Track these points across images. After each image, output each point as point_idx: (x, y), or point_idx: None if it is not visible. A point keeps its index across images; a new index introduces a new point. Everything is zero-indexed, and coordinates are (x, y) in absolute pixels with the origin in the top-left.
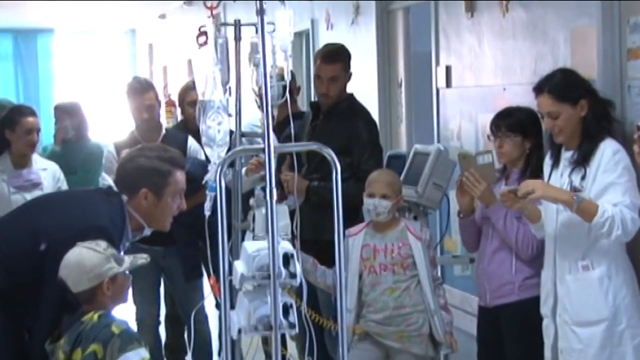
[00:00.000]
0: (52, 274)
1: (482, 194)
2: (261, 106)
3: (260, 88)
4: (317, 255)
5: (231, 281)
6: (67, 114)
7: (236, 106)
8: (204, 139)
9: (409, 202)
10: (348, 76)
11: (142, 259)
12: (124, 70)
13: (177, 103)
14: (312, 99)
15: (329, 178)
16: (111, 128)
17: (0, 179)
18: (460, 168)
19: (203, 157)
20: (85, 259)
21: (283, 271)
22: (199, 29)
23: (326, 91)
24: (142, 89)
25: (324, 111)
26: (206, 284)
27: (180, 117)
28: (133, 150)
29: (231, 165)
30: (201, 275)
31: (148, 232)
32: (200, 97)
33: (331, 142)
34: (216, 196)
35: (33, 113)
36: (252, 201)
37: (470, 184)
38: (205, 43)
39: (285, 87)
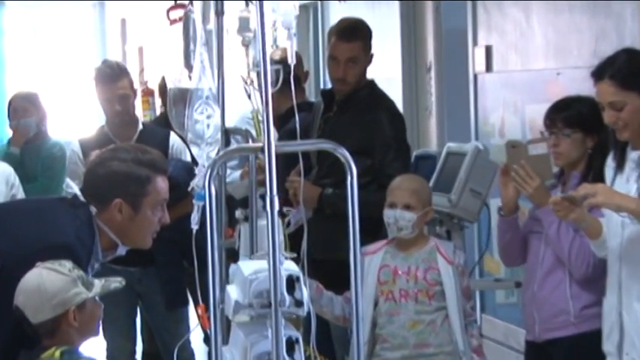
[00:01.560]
0: (6, 302)
1: (534, 192)
2: (255, 96)
3: (250, 74)
4: (326, 278)
5: (223, 310)
6: (29, 107)
7: (219, 95)
8: (190, 137)
9: (441, 214)
10: (368, 58)
11: (116, 282)
12: (90, 51)
13: (156, 93)
14: (322, 87)
15: (344, 184)
16: (74, 123)
17: None
18: (508, 160)
19: (188, 158)
20: (47, 282)
21: (287, 297)
22: (175, 2)
23: (343, 75)
24: (113, 75)
25: (338, 101)
26: (192, 314)
27: (159, 109)
28: (105, 151)
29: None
30: (186, 303)
31: (122, 251)
32: (170, 84)
33: (347, 139)
34: (204, 207)
35: None
36: (238, 213)
37: (520, 179)
38: (179, 19)
39: (287, 72)
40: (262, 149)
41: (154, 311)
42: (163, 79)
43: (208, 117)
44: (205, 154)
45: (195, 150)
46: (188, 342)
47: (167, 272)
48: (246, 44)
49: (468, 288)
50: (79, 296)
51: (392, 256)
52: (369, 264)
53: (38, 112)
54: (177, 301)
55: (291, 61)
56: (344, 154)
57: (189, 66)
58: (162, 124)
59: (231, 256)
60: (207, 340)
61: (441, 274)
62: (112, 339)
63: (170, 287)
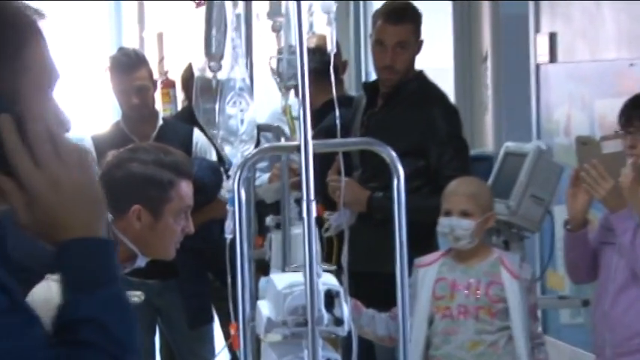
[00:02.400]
0: None
1: (607, 195)
2: (290, 88)
3: (281, 64)
4: (372, 293)
5: (253, 328)
6: None
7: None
8: (222, 134)
9: (498, 222)
10: (418, 44)
11: (135, 296)
12: (105, 38)
13: (177, 84)
14: (364, 79)
15: (391, 187)
16: (85, 117)
17: None
18: (578, 158)
19: (214, 157)
20: (56, 296)
21: (325, 315)
22: None
23: (390, 62)
24: (130, 65)
25: (384, 94)
26: (217, 333)
27: (181, 102)
28: (123, 151)
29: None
30: (211, 320)
31: (142, 262)
32: (197, 73)
33: (395, 137)
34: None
35: None
36: (269, 220)
37: (590, 180)
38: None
39: (325, 62)
40: (298, 148)
41: (174, 329)
42: (188, 68)
43: (242, 110)
44: (240, 154)
45: (227, 148)
46: None
47: (190, 286)
48: (277, 30)
49: (534, 306)
50: None
51: (450, 269)
52: (423, 277)
53: None
54: (201, 319)
55: (332, 48)
56: (390, 154)
57: (209, 54)
58: (185, 120)
59: (260, 268)
60: None
61: (505, 289)
62: None
63: (193, 302)
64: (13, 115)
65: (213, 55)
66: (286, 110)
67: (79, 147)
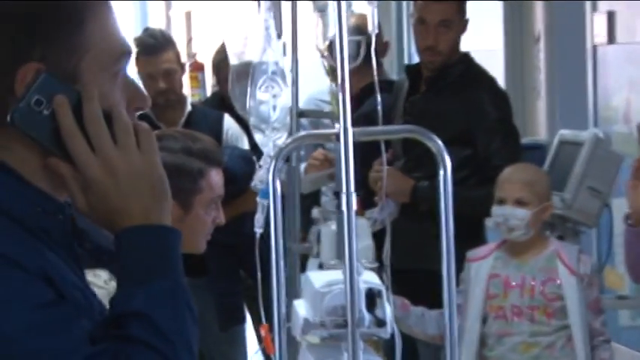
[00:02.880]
0: None
1: None
2: (331, 72)
3: (330, 45)
4: (416, 292)
5: (289, 330)
6: None
7: (292, 71)
8: (252, 120)
9: (552, 216)
10: (463, 23)
11: None
12: (129, 18)
13: (206, 67)
14: (407, 62)
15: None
16: None
17: None
18: None
19: (245, 146)
20: None
21: (367, 315)
22: None
23: (433, 42)
24: (156, 47)
25: (427, 78)
26: (250, 334)
27: (211, 87)
28: None
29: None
30: (243, 321)
31: None
32: (233, 61)
33: (440, 124)
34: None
35: None
36: (315, 212)
37: None
38: None
39: (368, 44)
40: (337, 136)
41: (204, 330)
42: (220, 50)
43: (274, 96)
44: (272, 142)
45: (258, 137)
46: None
47: (221, 284)
48: (320, 10)
49: (597, 301)
50: None
51: (503, 264)
52: (476, 272)
53: None
54: (232, 319)
55: (372, 29)
56: (436, 143)
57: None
58: (215, 105)
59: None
60: None
61: (562, 286)
62: None
63: (225, 302)
64: (73, 96)
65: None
66: (333, 95)
67: (142, 128)
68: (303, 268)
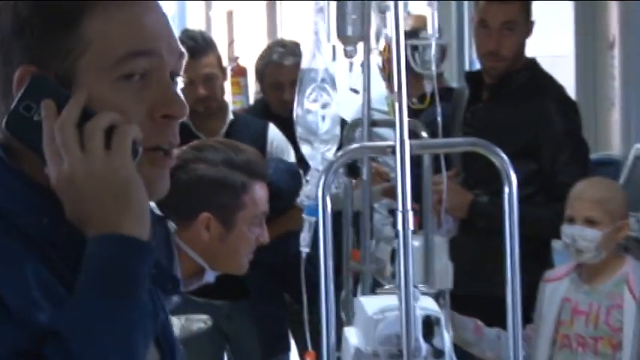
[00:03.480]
0: None
1: None
2: (389, 79)
3: (387, 50)
4: (483, 319)
5: None
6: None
7: (364, 78)
8: (299, 131)
9: (627, 239)
10: (528, 26)
11: (200, 322)
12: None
13: (249, 72)
14: (467, 68)
15: (501, 196)
16: None
17: None
18: None
19: (291, 158)
20: None
21: (423, 345)
22: None
23: (496, 47)
24: (196, 50)
25: (489, 85)
26: None
27: (254, 93)
28: (187, 150)
29: (353, 172)
30: (288, 349)
31: (210, 277)
32: (304, 64)
33: (503, 136)
34: (317, 224)
35: None
36: (388, 230)
37: None
38: None
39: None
40: (393, 149)
41: (245, 358)
42: (264, 55)
43: (324, 106)
44: (320, 155)
45: (306, 149)
46: None
47: (264, 308)
48: (383, 11)
49: None
50: None
51: (575, 287)
52: (551, 294)
53: None
54: (277, 347)
55: (432, 33)
56: (501, 158)
57: (343, 36)
58: (259, 114)
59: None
60: None
61: (623, 313)
62: None
63: (268, 328)
64: (63, 100)
65: (349, 37)
66: (389, 102)
67: (118, 130)
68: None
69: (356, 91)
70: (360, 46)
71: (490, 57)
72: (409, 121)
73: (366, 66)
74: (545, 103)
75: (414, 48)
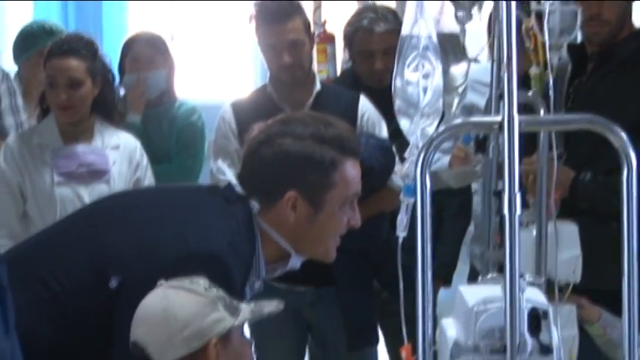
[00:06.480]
0: (126, 329)
1: None
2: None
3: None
4: None
5: (435, 354)
6: (155, 55)
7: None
8: (398, 104)
9: None
10: None
11: (271, 305)
12: None
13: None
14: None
15: (612, 176)
16: (225, 79)
17: (40, 160)
18: None
19: (384, 134)
20: (175, 306)
21: (529, 340)
22: None
23: (598, 11)
24: (281, 14)
25: (594, 55)
26: (383, 357)
27: (341, 62)
28: (273, 124)
29: None
30: (377, 342)
31: (296, 263)
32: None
33: (611, 112)
34: (415, 206)
35: (79, 52)
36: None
37: None
38: None
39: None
40: (501, 126)
41: (329, 350)
42: (353, 20)
43: (426, 76)
44: (419, 130)
45: (404, 123)
46: None
47: (351, 296)
48: None
49: None
50: (221, 324)
51: None
52: None
53: (166, 63)
54: (364, 338)
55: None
56: (619, 136)
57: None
58: (348, 85)
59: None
60: None
61: None
62: None
63: (355, 317)
64: None
65: (462, 2)
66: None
67: None
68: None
69: (477, 61)
70: (475, 11)
71: (591, 22)
72: (528, 93)
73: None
74: None
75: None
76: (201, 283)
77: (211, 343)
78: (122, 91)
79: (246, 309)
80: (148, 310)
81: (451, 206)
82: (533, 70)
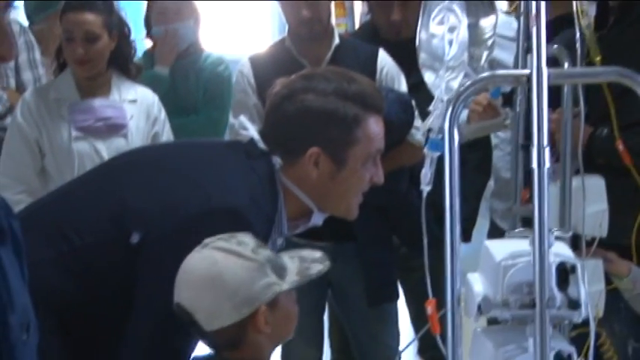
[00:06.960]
0: (149, 286)
1: None
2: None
3: None
4: None
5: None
6: (182, 7)
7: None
8: (423, 57)
9: None
10: None
11: (318, 264)
12: None
13: None
14: None
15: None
16: (243, 33)
17: (57, 114)
18: None
19: (403, 88)
20: (226, 272)
21: (558, 295)
22: None
23: None
24: None
25: (614, 7)
26: (402, 312)
27: (359, 15)
28: (295, 79)
29: None
30: (397, 297)
31: (318, 220)
32: None
33: (636, 65)
34: (441, 160)
35: (95, 6)
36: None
37: None
38: None
39: None
40: (529, 78)
41: (349, 306)
42: None
43: (451, 30)
44: (444, 84)
45: (429, 76)
46: (395, 351)
47: (371, 252)
48: None
49: None
50: (271, 289)
51: None
52: None
53: (193, 14)
54: (384, 294)
55: None
56: None
57: None
58: (366, 38)
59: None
60: (422, 350)
61: None
62: (291, 343)
63: (375, 273)
64: None
65: None
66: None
67: None
68: None
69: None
70: None
71: None
72: (554, 47)
73: None
74: None
75: None
76: (249, 243)
77: (261, 310)
78: (147, 44)
79: (292, 269)
80: (195, 274)
81: (471, 161)
82: (584, 22)
